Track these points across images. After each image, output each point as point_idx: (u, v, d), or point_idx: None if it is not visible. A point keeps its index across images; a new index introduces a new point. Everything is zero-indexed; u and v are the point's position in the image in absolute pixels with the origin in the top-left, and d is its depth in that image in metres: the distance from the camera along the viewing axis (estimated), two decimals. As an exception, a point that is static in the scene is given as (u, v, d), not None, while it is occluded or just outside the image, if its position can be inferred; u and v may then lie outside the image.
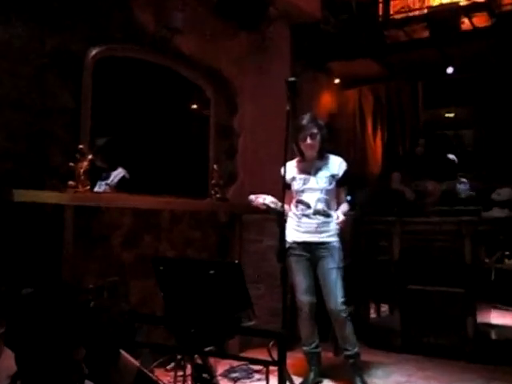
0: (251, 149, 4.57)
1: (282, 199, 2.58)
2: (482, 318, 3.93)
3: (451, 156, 5.47)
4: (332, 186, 3.08)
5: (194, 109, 5.05)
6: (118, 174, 3.61)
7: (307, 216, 3.05)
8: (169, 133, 4.20)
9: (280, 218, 2.48)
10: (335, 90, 5.93)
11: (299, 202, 3.09)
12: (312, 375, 3.13)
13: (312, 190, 3.07)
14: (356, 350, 3.06)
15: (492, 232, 3.88)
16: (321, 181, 3.07)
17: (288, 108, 2.53)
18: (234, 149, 4.52)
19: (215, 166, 4.07)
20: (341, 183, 3.13)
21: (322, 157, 3.12)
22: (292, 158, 3.27)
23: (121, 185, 3.55)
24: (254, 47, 4.60)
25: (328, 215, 3.05)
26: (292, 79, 2.57)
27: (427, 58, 5.44)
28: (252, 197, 3.04)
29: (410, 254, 3.98)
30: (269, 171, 4.09)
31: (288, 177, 3.09)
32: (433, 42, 4.98)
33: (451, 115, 6.16)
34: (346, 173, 3.14)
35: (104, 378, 2.06)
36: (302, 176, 3.11)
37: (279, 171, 2.70)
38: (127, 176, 3.63)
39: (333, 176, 3.09)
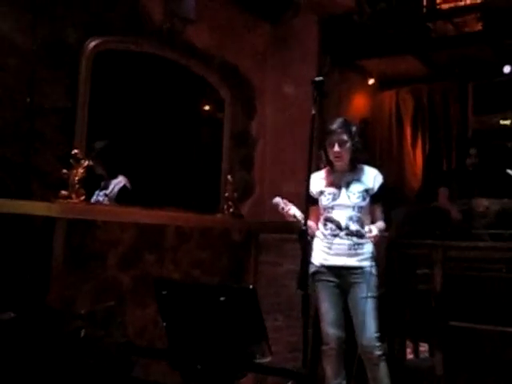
0: (271, 158, 4.59)
1: (305, 216, 2.57)
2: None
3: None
4: (366, 202, 3.07)
5: (206, 111, 5.09)
6: (118, 183, 3.65)
7: (338, 236, 3.05)
8: (177, 138, 4.24)
9: (303, 237, 2.47)
10: (369, 91, 5.93)
11: (328, 220, 3.08)
12: (337, 424, 3.09)
13: (343, 206, 3.06)
14: (390, 396, 3.02)
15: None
16: (353, 196, 3.06)
17: (314, 111, 2.54)
18: (250, 158, 4.54)
19: (229, 177, 4.09)
20: (376, 199, 3.11)
21: (354, 168, 3.12)
22: (318, 169, 3.27)
23: (121, 195, 3.59)
24: (276, 42, 4.65)
25: (362, 236, 3.03)
26: (319, 79, 2.59)
27: (479, 55, 5.40)
28: (278, 200, 3.03)
29: (454, 284, 3.92)
30: (291, 184, 4.11)
31: (315, 190, 3.09)
32: (487, 36, 4.94)
33: (507, 122, 6.09)
34: (382, 187, 3.13)
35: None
36: (332, 190, 3.10)
37: (303, 184, 2.69)
38: (129, 186, 3.67)
39: (367, 191, 3.08)
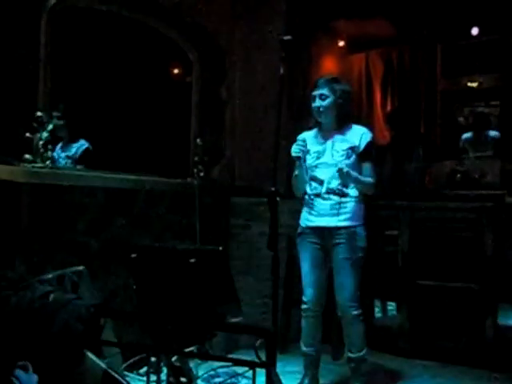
0: (242, 121, 4.54)
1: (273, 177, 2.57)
2: (503, 318, 3.97)
3: (493, 132, 5.54)
4: (351, 160, 3.01)
5: (175, 73, 5.02)
6: (81, 145, 3.60)
7: (319, 196, 3.02)
8: (144, 101, 4.17)
9: (272, 198, 2.47)
10: (339, 53, 5.89)
11: (312, 179, 3.06)
12: (307, 381, 3.15)
13: (326, 164, 3.02)
14: (361, 354, 3.06)
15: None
16: (337, 154, 3.02)
17: (282, 71, 2.51)
18: (221, 121, 4.49)
19: (198, 141, 4.04)
20: (363, 157, 3.04)
21: (340, 126, 3.07)
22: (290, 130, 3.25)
23: (84, 158, 3.54)
24: (245, 3, 4.55)
25: (345, 195, 3.00)
26: (287, 37, 2.55)
27: (448, 17, 5.40)
28: None
29: (420, 244, 3.99)
30: (262, 147, 4.09)
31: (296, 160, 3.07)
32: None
33: (474, 85, 6.15)
34: (369, 145, 3.05)
35: (66, 381, 2.07)
36: (317, 149, 3.08)
37: (274, 147, 2.65)
38: (91, 148, 3.62)
39: (352, 148, 3.02)
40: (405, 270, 4.00)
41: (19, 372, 1.90)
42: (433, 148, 5.09)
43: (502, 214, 3.81)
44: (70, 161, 3.58)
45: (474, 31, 5.46)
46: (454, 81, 6.22)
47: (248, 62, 4.54)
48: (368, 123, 6.12)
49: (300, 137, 3.02)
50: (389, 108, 6.23)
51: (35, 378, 1.95)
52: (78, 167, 3.57)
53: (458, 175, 4.49)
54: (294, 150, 2.94)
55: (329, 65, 5.69)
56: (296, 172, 3.01)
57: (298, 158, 2.96)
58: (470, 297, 3.80)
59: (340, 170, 2.91)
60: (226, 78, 4.50)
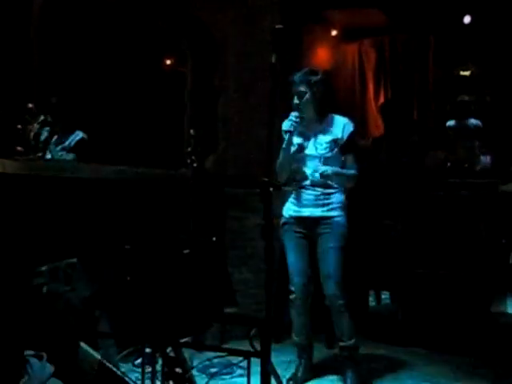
0: (235, 111, 4.52)
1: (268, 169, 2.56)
2: (497, 306, 3.99)
3: (474, 121, 5.52)
4: (334, 152, 3.03)
5: (168, 64, 4.99)
6: (76, 135, 3.58)
7: (304, 187, 3.05)
8: (137, 92, 4.14)
9: (264, 188, 2.46)
10: (332, 43, 5.89)
11: (295, 170, 3.07)
12: (301, 370, 3.17)
13: (310, 157, 3.04)
14: (352, 341, 3.08)
15: (511, 209, 3.92)
16: (320, 147, 3.04)
17: (274, 60, 2.49)
18: (214, 111, 4.47)
19: (192, 132, 4.03)
20: (346, 148, 3.06)
21: (322, 117, 3.07)
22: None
23: (78, 148, 3.53)
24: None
25: (329, 186, 3.03)
26: (279, 26, 2.52)
27: (441, 6, 5.39)
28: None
29: (414, 233, 4.00)
30: (256, 138, 4.08)
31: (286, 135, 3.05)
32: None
33: (466, 73, 6.16)
34: (352, 136, 3.07)
35: (61, 373, 2.07)
36: (300, 140, 3.08)
37: (268, 137, 2.64)
38: (86, 138, 3.60)
39: (335, 141, 3.04)
40: (399, 258, 4.01)
41: (33, 360, 1.91)
42: (427, 136, 5.09)
43: (495, 202, 3.82)
44: (64, 152, 3.57)
45: (466, 19, 5.46)
46: (446, 70, 6.21)
47: (242, 52, 4.51)
48: (362, 113, 6.15)
49: (293, 112, 3.00)
50: (382, 97, 6.23)
51: (49, 367, 1.95)
52: (70, 156, 3.56)
53: (449, 163, 4.51)
54: (286, 124, 2.96)
55: (322, 54, 5.68)
56: (284, 146, 3.00)
57: (290, 132, 2.97)
58: (463, 285, 3.82)
59: (322, 175, 2.95)
60: (219, 68, 4.48)
